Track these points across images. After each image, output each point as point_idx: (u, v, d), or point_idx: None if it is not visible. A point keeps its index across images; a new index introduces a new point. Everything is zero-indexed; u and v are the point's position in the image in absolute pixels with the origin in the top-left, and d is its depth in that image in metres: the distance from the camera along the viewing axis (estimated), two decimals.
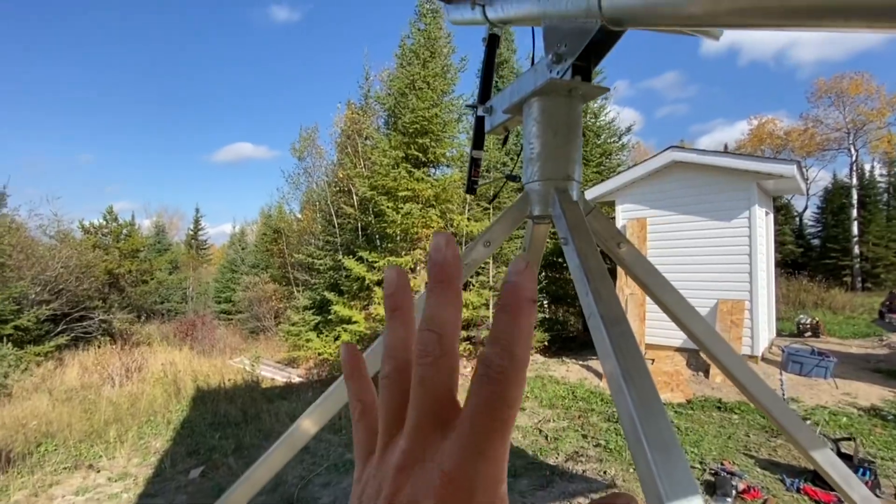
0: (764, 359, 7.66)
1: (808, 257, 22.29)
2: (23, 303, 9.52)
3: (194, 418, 6.83)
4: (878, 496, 3.49)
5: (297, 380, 9.77)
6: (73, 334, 10.89)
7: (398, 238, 8.73)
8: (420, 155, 8.75)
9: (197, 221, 36.89)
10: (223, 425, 6.47)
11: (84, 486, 4.68)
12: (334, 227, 12.34)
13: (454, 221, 8.70)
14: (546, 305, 11.86)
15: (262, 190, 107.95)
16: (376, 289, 8.78)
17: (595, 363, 8.56)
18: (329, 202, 13.18)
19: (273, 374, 10.11)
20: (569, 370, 8.61)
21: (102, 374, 8.70)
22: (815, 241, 23.75)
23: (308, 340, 10.12)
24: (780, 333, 10.19)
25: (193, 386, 8.36)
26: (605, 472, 4.18)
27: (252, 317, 20.75)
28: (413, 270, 8.92)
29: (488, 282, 10.36)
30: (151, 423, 6.60)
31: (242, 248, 31.21)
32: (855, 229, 21.45)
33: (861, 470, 3.58)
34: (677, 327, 1.84)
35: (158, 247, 28.68)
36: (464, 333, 10.34)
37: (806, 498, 3.55)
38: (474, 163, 2.11)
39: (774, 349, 8.45)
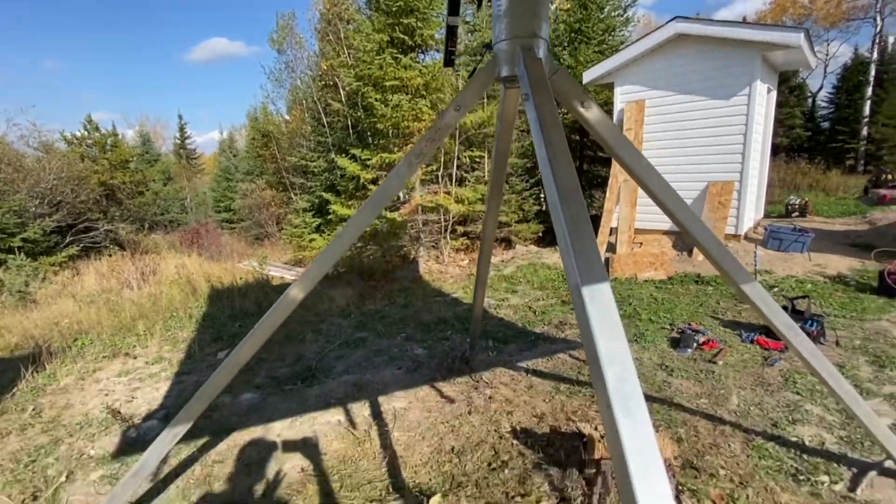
0: (747, 237, 7.99)
1: (816, 141, 21.69)
2: (25, 216, 9.69)
3: (213, 312, 7.40)
4: (820, 343, 3.96)
5: None
6: (81, 245, 11.25)
7: (389, 133, 8.55)
8: (406, 38, 8.15)
9: (182, 129, 35.42)
10: (241, 316, 7.03)
11: (125, 370, 5.26)
12: (324, 126, 11.96)
13: None
14: (543, 197, 11.96)
15: (245, 91, 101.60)
16: (371, 187, 8.85)
17: None
18: (316, 99, 12.59)
19: (282, 274, 10.65)
20: (560, 257, 9.03)
21: (119, 278, 9.19)
22: (825, 124, 22.94)
23: (311, 240, 10.47)
24: (769, 215, 10.44)
25: (208, 286, 8.88)
26: None
27: (254, 224, 21.09)
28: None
29: (483, 177, 10.36)
30: (175, 318, 7.16)
31: (234, 156, 30.50)
32: (867, 109, 20.57)
33: (810, 322, 4.02)
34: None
35: (147, 157, 27.99)
36: (461, 229, 10.63)
37: (758, 347, 4.04)
38: (451, 32, 2.08)
39: (759, 229, 8.75)
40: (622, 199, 8.19)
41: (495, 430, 2.95)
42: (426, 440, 2.97)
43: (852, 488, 2.31)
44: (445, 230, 9.81)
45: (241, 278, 9.50)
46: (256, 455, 2.98)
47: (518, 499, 2.23)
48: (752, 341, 4.12)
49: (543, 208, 12.08)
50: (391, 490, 2.51)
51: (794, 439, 2.72)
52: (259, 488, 2.63)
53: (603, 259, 8.03)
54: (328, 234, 10.07)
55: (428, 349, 4.92)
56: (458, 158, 9.35)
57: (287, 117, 20.90)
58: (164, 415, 3.83)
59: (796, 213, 10.28)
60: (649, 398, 3.25)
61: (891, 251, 6.39)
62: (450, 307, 6.70)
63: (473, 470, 2.57)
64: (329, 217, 10.12)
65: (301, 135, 15.72)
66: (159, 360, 5.49)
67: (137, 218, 17.50)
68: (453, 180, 9.57)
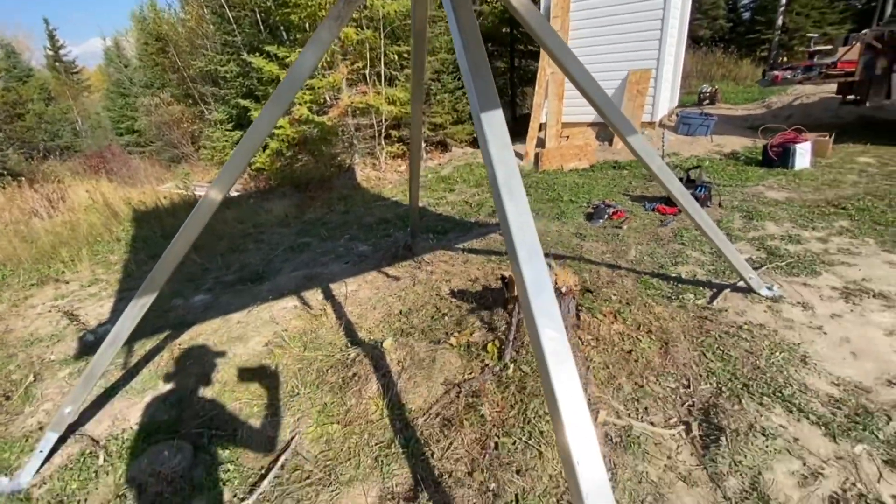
0: (662, 124, 8.63)
1: (737, 32, 22.37)
2: None
3: (144, 234, 7.09)
4: (707, 206, 4.69)
5: (235, 193, 9.92)
6: None
7: (306, 26, 7.86)
8: None
9: (53, 38, 29.55)
10: (173, 235, 6.82)
11: (59, 294, 5.12)
12: (230, 22, 10.62)
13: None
14: None
15: None
16: None
17: (518, 147, 9.25)
18: None
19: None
20: None
21: (23, 208, 8.35)
22: (746, 14, 23.54)
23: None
24: (683, 105, 11.16)
25: (129, 209, 8.34)
26: None
27: (166, 145, 19.09)
28: (330, 65, 8.37)
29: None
30: (101, 243, 6.82)
31: (125, 66, 26.32)
32: None
33: (700, 188, 4.70)
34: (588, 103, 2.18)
35: (16, 73, 23.59)
36: (395, 133, 10.41)
37: (657, 214, 4.71)
38: None
39: (673, 117, 9.43)
40: (550, 91, 8.39)
41: (436, 294, 3.39)
42: (377, 309, 3.37)
43: (710, 301, 3.02)
44: (380, 135, 9.62)
45: (165, 198, 8.98)
46: (219, 338, 3.24)
47: (456, 335, 2.70)
48: (653, 209, 4.77)
49: None
50: (349, 345, 2.91)
51: (673, 275, 3.40)
52: (226, 362, 2.93)
53: (533, 155, 8.44)
54: None
55: (372, 245, 5.20)
56: (386, 55, 8.89)
57: (183, 15, 18.10)
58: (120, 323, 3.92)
59: (707, 101, 11.06)
60: (565, 257, 3.81)
61: (774, 128, 7.27)
62: (391, 209, 6.90)
63: (419, 323, 3.02)
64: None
65: (203, 35, 13.84)
66: (95, 282, 5.37)
67: (23, 143, 15.28)
68: (382, 80, 9.18)
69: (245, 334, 3.26)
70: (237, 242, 6.19)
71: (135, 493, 2.04)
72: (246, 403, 2.53)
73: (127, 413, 2.63)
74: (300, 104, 8.28)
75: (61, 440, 2.36)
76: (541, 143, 8.80)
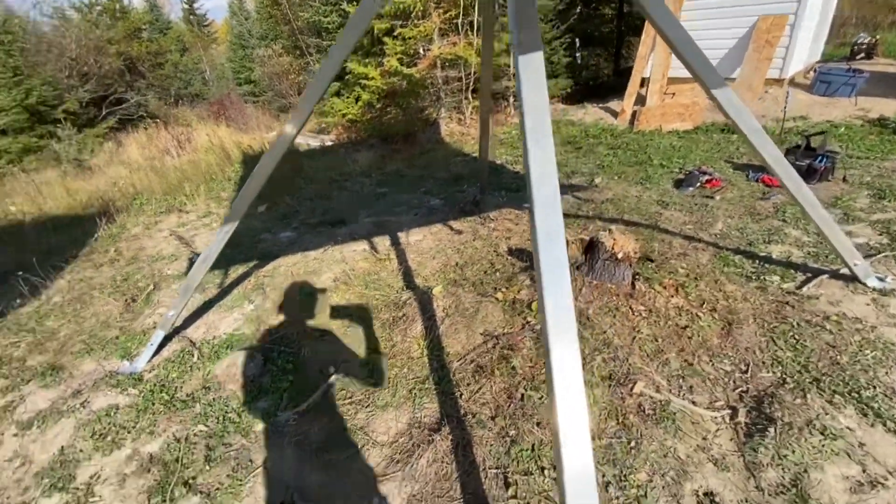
0: (793, 82, 7.37)
1: None
2: (59, 88, 9.99)
3: (246, 174, 7.95)
4: (827, 179, 4.02)
5: (330, 143, 10.56)
6: (117, 117, 11.67)
7: None
8: None
9: None
10: (273, 178, 7.52)
11: (181, 222, 6.00)
12: None
13: None
14: (574, 47, 10.98)
15: None
16: (387, 40, 8.41)
17: (614, 104, 8.56)
18: None
19: (308, 141, 10.90)
20: (586, 113, 8.72)
21: (158, 147, 9.73)
22: None
23: (332, 106, 10.41)
24: (828, 58, 9.36)
25: (240, 152, 9.32)
26: (592, 181, 4.89)
27: (276, 95, 20.59)
28: (424, 14, 8.28)
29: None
30: (215, 181, 7.77)
31: (246, 19, 28.43)
32: None
33: (820, 158, 4.03)
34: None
35: (158, 25, 26.64)
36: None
37: (761, 185, 4.15)
38: None
39: (810, 74, 7.97)
40: (658, 41, 7.51)
41: (494, 250, 3.41)
42: (436, 259, 3.49)
43: (800, 286, 2.67)
44: (467, 88, 9.46)
45: (269, 144, 9.85)
46: (297, 270, 3.62)
47: (503, 290, 2.73)
48: (757, 180, 4.21)
49: (579, 60, 11.23)
50: (404, 289, 3.10)
51: (762, 254, 3.03)
52: (300, 290, 3.29)
53: (630, 113, 7.76)
54: (347, 96, 9.94)
55: (444, 200, 5.29)
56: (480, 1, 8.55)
57: None
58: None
59: (861, 56, 9.15)
60: (637, 225, 3.56)
61: None
62: (468, 165, 6.89)
63: (471, 276, 3.09)
64: (347, 78, 9.86)
65: None
66: (208, 214, 6.18)
67: (163, 90, 17.51)
68: (475, 29, 8.89)
69: (318, 269, 3.60)
70: (324, 189, 6.66)
71: (215, 387, 2.45)
72: (311, 328, 2.85)
73: (218, 324, 3.11)
74: (391, 55, 8.40)
75: (168, 338, 2.89)
76: (641, 101, 8.03)
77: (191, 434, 2.19)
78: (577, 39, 10.69)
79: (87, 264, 4.63)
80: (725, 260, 2.94)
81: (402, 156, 8.24)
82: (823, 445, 1.73)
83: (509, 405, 2.03)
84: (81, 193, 7.41)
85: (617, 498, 1.66)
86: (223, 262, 4.16)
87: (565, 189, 4.73)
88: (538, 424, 1.93)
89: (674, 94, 7.75)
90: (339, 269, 3.54)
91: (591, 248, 2.51)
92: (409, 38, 8.24)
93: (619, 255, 2.36)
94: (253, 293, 3.42)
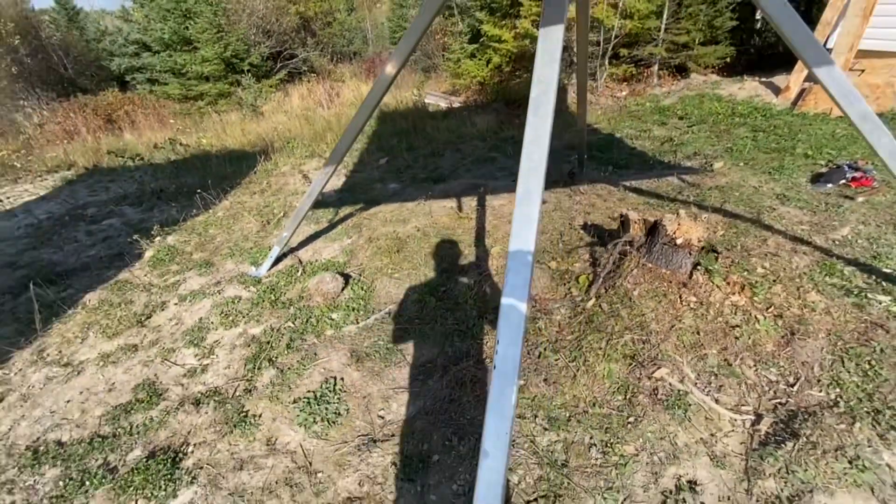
0: None
1: None
2: (248, 44, 12.02)
3: (380, 130, 8.77)
4: None
5: (457, 105, 10.93)
6: (287, 70, 13.62)
7: None
8: None
9: None
10: (399, 134, 8.21)
11: (318, 166, 7.02)
12: None
13: None
14: (746, 4, 9.36)
15: None
16: (523, 0, 8.24)
17: (780, 79, 7.28)
18: None
19: (437, 101, 11.42)
20: (742, 88, 7.58)
21: (314, 99, 11.18)
22: None
23: (465, 68, 10.67)
24: None
25: (378, 109, 10.26)
26: (710, 164, 4.41)
27: (423, 55, 21.59)
28: None
29: None
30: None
31: None
32: None
33: None
34: None
35: None
36: (626, 52, 9.36)
37: None
38: None
39: None
40: (852, 5, 6.07)
41: (568, 223, 3.44)
42: (510, 224, 3.65)
43: None
44: (604, 55, 8.87)
45: (402, 103, 10.61)
46: (391, 216, 4.11)
47: (558, 260, 2.81)
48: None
49: (745, 24, 9.59)
50: (472, 245, 3.35)
51: (888, 270, 2.56)
52: (386, 233, 3.77)
53: (796, 90, 6.54)
54: (479, 58, 10.06)
55: (546, 168, 5.27)
56: None
57: None
58: (339, 192, 5.31)
59: None
60: (738, 216, 3.21)
61: None
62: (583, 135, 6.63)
63: (541, 244, 3.20)
64: (482, 40, 9.95)
65: None
66: (341, 163, 7.10)
67: (327, 47, 19.62)
68: None
69: (408, 219, 4.04)
70: (439, 148, 7.09)
71: (307, 297, 3.07)
72: (386, 264, 3.31)
73: (322, 250, 3.77)
74: (525, 17, 8.25)
75: (284, 256, 3.62)
76: (813, 78, 6.67)
77: (282, 327, 2.83)
78: None
79: (244, 191, 5.82)
80: (829, 269, 2.56)
81: (520, 121, 8.20)
82: (846, 473, 1.59)
83: (526, 359, 2.21)
84: (252, 134, 9.04)
85: (596, 460, 1.77)
86: (338, 202, 4.88)
87: (671, 169, 4.37)
88: (545, 381, 2.09)
89: (862, 70, 6.28)
90: (424, 220, 3.93)
91: (653, 229, 2.44)
92: None
93: (679, 241, 2.26)
94: (352, 230, 4.02)
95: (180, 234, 4.49)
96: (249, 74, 11.74)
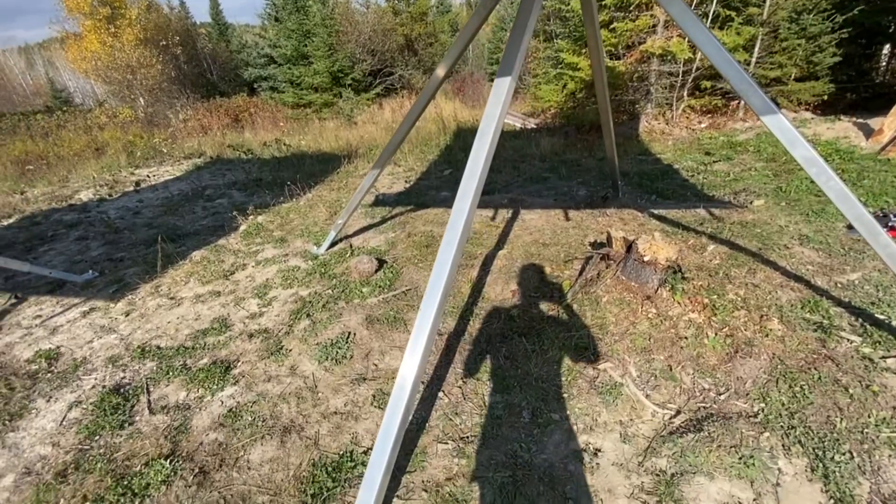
0: None
1: None
2: (353, 61, 13.61)
3: (452, 144, 9.52)
4: None
5: (530, 126, 11.37)
6: (383, 86, 15.07)
7: None
8: None
9: None
10: (467, 149, 8.85)
11: (391, 172, 7.90)
12: None
13: None
14: (852, 41, 8.67)
15: None
16: (602, 31, 8.50)
17: (875, 121, 6.76)
18: None
19: (514, 122, 11.95)
20: (830, 128, 7.14)
21: (402, 112, 12.30)
22: None
23: (542, 92, 11.08)
24: None
25: (455, 125, 11.06)
26: (750, 202, 4.42)
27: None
28: (647, 6, 8.03)
29: (761, 14, 8.28)
30: (427, 146, 9.61)
31: (511, 3, 30.78)
32: None
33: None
34: None
35: (441, 9, 31.40)
36: (708, 84, 9.13)
37: None
38: None
39: None
40: None
41: (581, 240, 3.77)
42: (531, 235, 4.07)
43: (887, 356, 2.31)
44: (682, 86, 8.79)
45: (477, 120, 11.31)
46: (431, 219, 4.73)
47: (554, 266, 3.20)
48: None
49: (853, 61, 8.88)
50: (490, 247, 3.84)
51: (880, 316, 2.59)
52: (427, 230, 4.38)
53: (890, 135, 6.06)
54: (556, 84, 10.42)
55: (589, 192, 5.56)
56: None
57: None
58: (397, 195, 6.07)
59: None
60: (744, 250, 3.31)
61: None
62: (640, 164, 6.75)
63: (545, 253, 3.59)
64: (561, 67, 10.32)
65: None
66: (411, 171, 7.92)
67: (426, 66, 21.13)
68: (709, 20, 8.11)
69: (446, 222, 4.61)
70: (499, 165, 7.61)
71: (347, 272, 3.77)
72: (415, 255, 3.91)
73: (370, 239, 4.49)
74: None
75: (340, 240, 4.40)
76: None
77: (323, 292, 3.55)
78: (849, 31, 8.36)
79: (326, 186, 6.83)
80: (813, 305, 2.65)
81: (585, 146, 8.44)
82: (733, 465, 1.83)
83: (498, 340, 2.65)
84: (342, 140, 10.30)
85: (525, 419, 2.18)
86: (393, 202, 5.63)
87: (704, 202, 4.45)
88: (506, 356, 2.52)
89: None
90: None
91: (630, 248, 2.74)
92: (622, 31, 8.17)
93: (647, 259, 2.57)
94: (398, 226, 4.70)
95: (268, 215, 5.52)
96: (350, 88, 13.30)
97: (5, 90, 36.88)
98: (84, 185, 8.42)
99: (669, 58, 8.54)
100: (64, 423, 2.53)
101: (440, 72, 2.94)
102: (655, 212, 4.34)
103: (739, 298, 2.67)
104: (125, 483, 2.04)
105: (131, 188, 7.92)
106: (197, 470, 2.08)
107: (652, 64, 8.67)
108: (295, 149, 9.94)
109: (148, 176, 8.76)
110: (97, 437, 2.37)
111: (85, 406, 2.62)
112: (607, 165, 5.16)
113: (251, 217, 5.47)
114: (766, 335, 2.40)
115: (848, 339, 2.40)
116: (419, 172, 7.67)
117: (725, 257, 3.19)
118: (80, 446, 2.32)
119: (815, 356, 2.29)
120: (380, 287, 3.52)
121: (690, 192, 5.21)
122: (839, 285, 2.90)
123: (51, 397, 2.75)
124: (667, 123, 9.24)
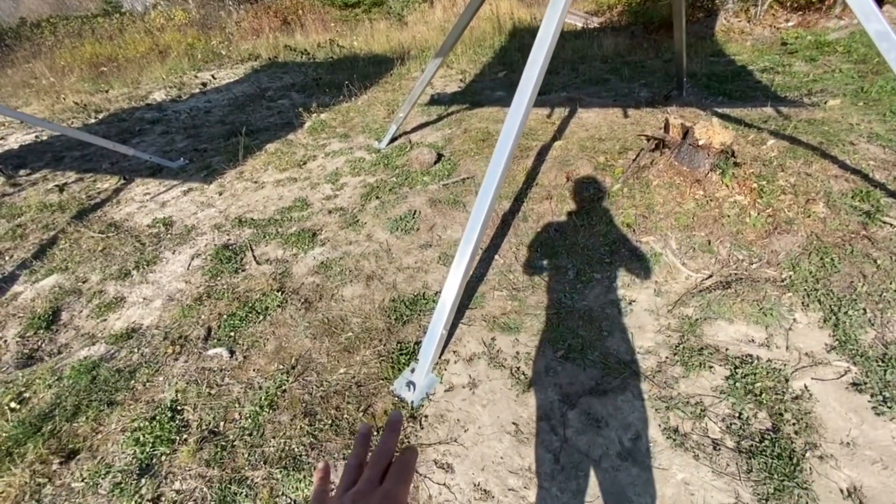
0: None
1: None
2: None
3: (507, 45, 9.12)
4: None
5: (593, 26, 10.53)
6: None
7: None
8: None
9: None
10: (522, 49, 8.50)
11: (444, 74, 7.81)
12: None
13: None
14: None
15: None
16: None
17: None
18: None
19: (575, 21, 11.07)
20: None
21: (455, 11, 11.65)
22: None
23: None
24: None
25: (511, 24, 10.43)
26: (825, 101, 4.20)
27: None
28: None
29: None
30: (481, 47, 9.25)
31: None
32: None
33: None
34: None
35: None
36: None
37: None
38: None
39: None
40: None
41: (637, 134, 3.83)
42: (588, 131, 4.15)
43: None
44: None
45: (536, 20, 10.58)
46: (484, 117, 4.85)
47: (607, 156, 3.35)
48: None
49: None
50: (545, 141, 3.99)
51: None
52: (482, 127, 4.54)
53: None
54: None
55: (653, 94, 5.38)
56: None
57: None
58: (452, 94, 6.11)
59: None
60: (807, 145, 3.29)
61: None
62: (710, 66, 6.31)
63: (600, 147, 3.71)
64: None
65: None
66: (463, 73, 7.77)
67: None
68: None
69: (501, 119, 4.74)
70: (557, 66, 7.33)
71: (409, 163, 4.08)
72: (471, 149, 4.14)
73: (427, 136, 4.72)
74: None
75: (400, 136, 4.66)
76: None
77: (388, 180, 3.91)
78: None
79: (380, 88, 6.95)
80: (865, 195, 2.71)
81: (654, 47, 7.85)
82: (752, 314, 2.13)
83: (549, 217, 2.94)
84: (394, 41, 10.07)
85: (570, 278, 2.53)
86: (449, 101, 5.72)
87: (774, 101, 4.27)
88: (556, 230, 2.83)
89: None
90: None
91: (686, 134, 2.84)
92: None
93: (701, 143, 2.68)
94: (454, 123, 4.88)
95: (330, 113, 5.80)
96: None
97: None
98: (155, 87, 8.95)
99: None
100: (190, 268, 3.16)
101: None
102: (719, 110, 4.24)
103: (789, 185, 2.77)
104: (249, 306, 2.63)
105: (197, 90, 8.36)
106: (303, 300, 2.63)
107: None
108: (348, 51, 9.87)
109: (212, 77, 9.13)
110: (219, 278, 2.97)
111: (204, 257, 3.23)
112: (674, 64, 4.93)
113: (314, 115, 5.77)
114: (808, 216, 2.54)
115: (891, 224, 2.50)
116: (472, 75, 7.55)
117: (784, 150, 3.20)
118: (207, 284, 2.94)
119: (851, 235, 2.43)
120: (439, 176, 3.82)
121: (761, 93, 4.94)
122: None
123: (175, 251, 3.39)
124: (748, 21, 8.32)
